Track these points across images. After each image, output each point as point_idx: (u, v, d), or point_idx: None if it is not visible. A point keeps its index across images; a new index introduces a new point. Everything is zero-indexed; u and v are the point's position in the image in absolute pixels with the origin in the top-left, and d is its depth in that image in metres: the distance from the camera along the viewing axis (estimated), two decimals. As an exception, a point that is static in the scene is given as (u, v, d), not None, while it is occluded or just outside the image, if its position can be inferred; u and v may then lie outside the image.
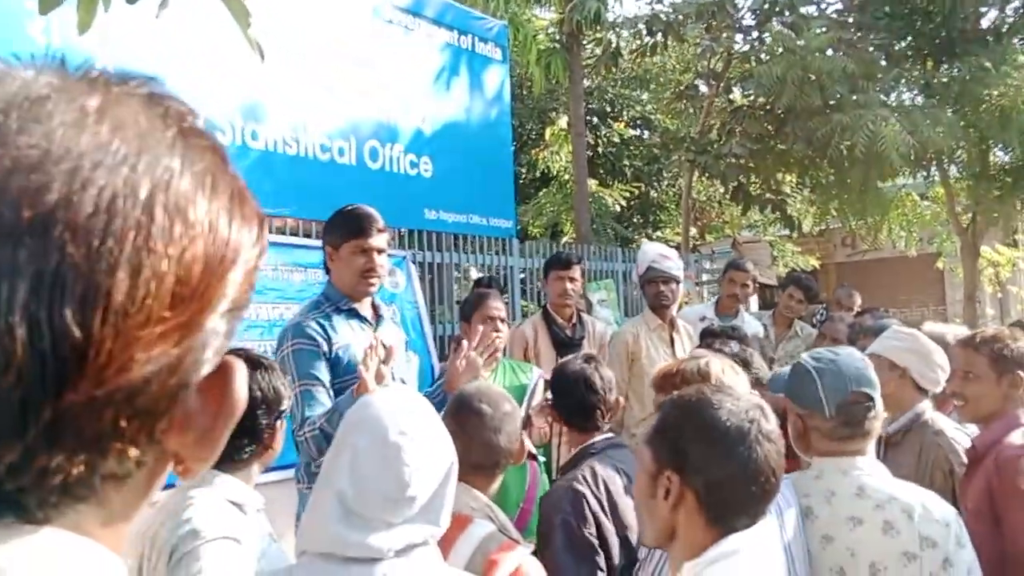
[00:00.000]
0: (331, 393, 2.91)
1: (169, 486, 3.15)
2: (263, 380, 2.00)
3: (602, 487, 2.57)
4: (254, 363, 2.01)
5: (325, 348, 2.97)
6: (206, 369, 0.56)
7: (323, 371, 2.95)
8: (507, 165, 6.82)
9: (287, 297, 4.69)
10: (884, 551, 1.97)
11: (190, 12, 3.94)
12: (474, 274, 7.34)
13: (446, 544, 1.82)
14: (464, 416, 2.12)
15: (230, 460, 1.97)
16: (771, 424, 1.56)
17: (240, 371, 0.60)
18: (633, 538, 2.44)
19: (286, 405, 2.05)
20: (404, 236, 5.94)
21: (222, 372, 0.59)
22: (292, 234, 5.02)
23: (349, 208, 3.18)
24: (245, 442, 1.97)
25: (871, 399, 2.11)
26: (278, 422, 2.03)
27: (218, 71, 4.62)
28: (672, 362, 2.35)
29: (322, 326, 3.00)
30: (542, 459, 4.01)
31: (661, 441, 1.58)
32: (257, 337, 4.40)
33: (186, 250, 0.52)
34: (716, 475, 1.50)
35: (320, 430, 2.80)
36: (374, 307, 3.25)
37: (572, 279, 4.70)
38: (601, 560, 2.48)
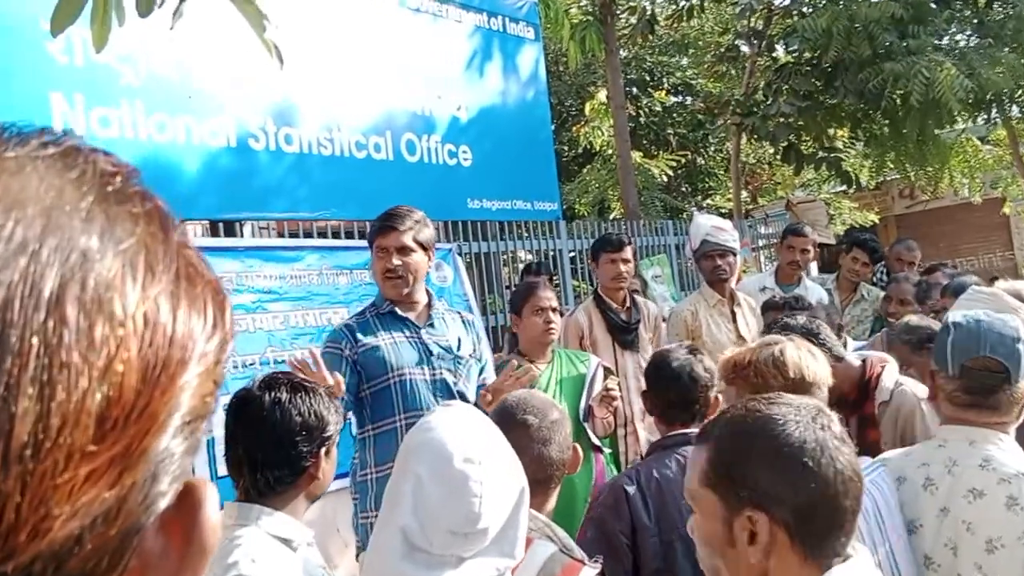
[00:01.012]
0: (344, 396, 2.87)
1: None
2: (303, 405, 1.86)
3: (653, 487, 2.43)
4: (295, 387, 1.89)
5: (348, 352, 2.99)
6: (163, 503, 0.43)
7: (345, 371, 2.93)
8: (548, 146, 6.64)
9: (334, 301, 4.61)
10: (1004, 527, 1.83)
11: (211, 21, 3.85)
12: (524, 258, 7.22)
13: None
14: (509, 430, 1.97)
15: (272, 493, 1.86)
16: (836, 423, 1.36)
17: (210, 496, 0.46)
18: (680, 546, 2.28)
19: (332, 431, 1.90)
20: (448, 228, 5.82)
21: (186, 501, 0.46)
22: (334, 236, 4.92)
23: (385, 211, 3.17)
24: (285, 473, 1.84)
25: (1005, 371, 1.93)
26: (322, 450, 1.89)
27: (245, 78, 4.52)
28: (743, 350, 2.17)
29: (352, 329, 3.05)
30: (608, 451, 3.87)
31: (726, 478, 1.31)
32: (307, 344, 4.31)
33: (114, 358, 0.39)
34: (803, 500, 1.26)
35: None
36: (430, 305, 3.19)
37: (624, 260, 4.51)
38: (628, 561, 2.36)
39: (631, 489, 2.42)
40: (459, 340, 3.23)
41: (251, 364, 4.16)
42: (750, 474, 1.29)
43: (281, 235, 5.30)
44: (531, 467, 1.92)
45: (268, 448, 1.84)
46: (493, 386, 3.10)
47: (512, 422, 1.95)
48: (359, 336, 3.03)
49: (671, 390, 2.60)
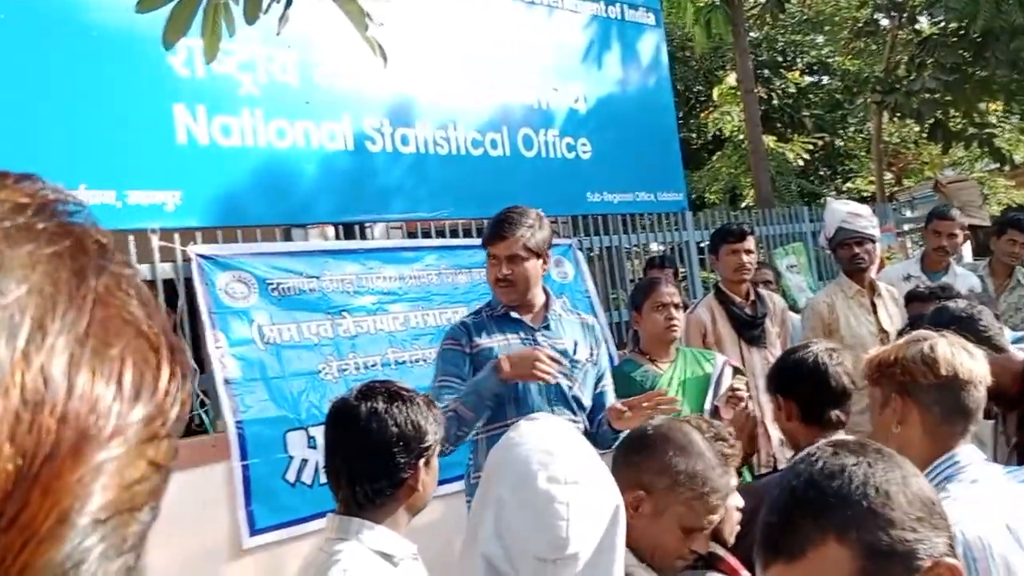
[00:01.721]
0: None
1: (288, 524, 3.06)
2: (400, 415, 1.79)
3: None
4: (392, 396, 1.82)
5: (467, 350, 2.97)
6: None
7: (466, 370, 2.93)
8: (672, 135, 6.41)
9: (454, 300, 4.58)
10: None
11: (324, 25, 3.88)
12: (655, 250, 7.00)
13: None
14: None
15: (372, 506, 1.80)
16: None
17: None
18: None
19: (430, 441, 1.82)
20: (568, 223, 5.70)
21: None
22: (452, 235, 4.90)
23: (494, 216, 3.11)
24: (383, 485, 1.78)
25: None
26: (421, 461, 1.82)
27: (361, 80, 4.55)
28: (888, 348, 1.96)
29: (468, 328, 3.01)
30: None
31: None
32: (427, 345, 4.31)
33: None
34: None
35: (454, 412, 2.75)
36: (547, 306, 3.11)
37: (747, 251, 4.27)
38: None
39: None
40: (575, 344, 3.11)
41: (372, 366, 4.18)
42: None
43: (409, 235, 5.31)
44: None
45: (364, 459, 1.79)
46: (630, 402, 2.97)
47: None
48: (474, 336, 2.99)
49: (810, 390, 2.42)
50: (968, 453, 1.78)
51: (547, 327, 3.08)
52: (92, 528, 0.34)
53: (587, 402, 3.10)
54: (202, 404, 3.72)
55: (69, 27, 3.63)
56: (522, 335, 3.03)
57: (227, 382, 3.70)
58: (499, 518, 1.33)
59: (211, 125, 3.97)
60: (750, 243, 4.29)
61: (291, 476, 3.77)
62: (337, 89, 4.47)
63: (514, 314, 3.05)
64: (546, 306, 3.12)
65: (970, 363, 1.82)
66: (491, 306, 3.10)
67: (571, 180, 5.54)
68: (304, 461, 3.80)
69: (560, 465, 1.32)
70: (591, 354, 3.16)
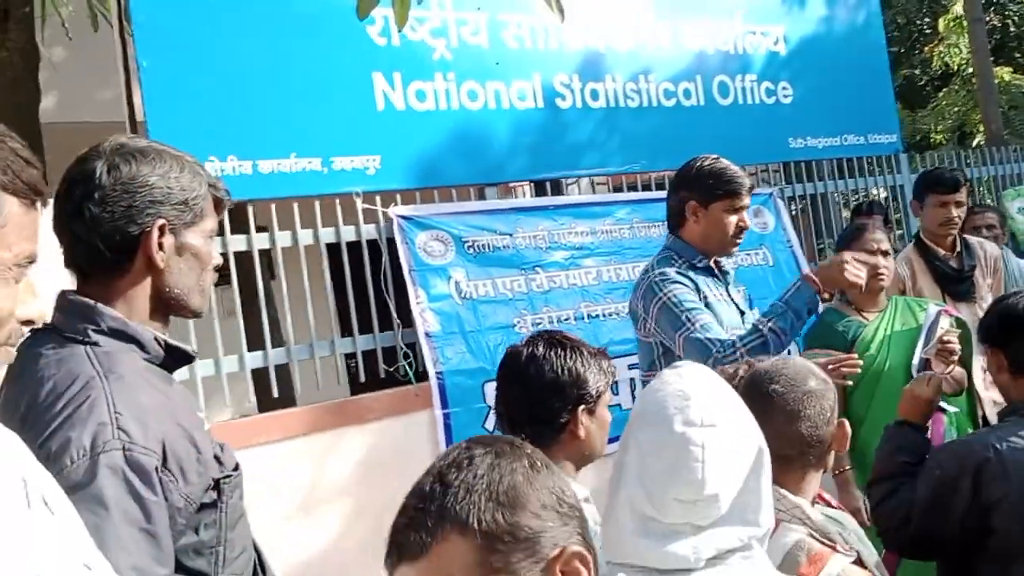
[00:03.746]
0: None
1: None
2: (558, 361, 1.82)
3: (1014, 457, 2.08)
4: (553, 343, 1.86)
5: (696, 296, 2.79)
6: None
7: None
8: (883, 73, 5.97)
9: (647, 253, 4.49)
10: None
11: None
12: (875, 196, 6.61)
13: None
14: (754, 400, 1.78)
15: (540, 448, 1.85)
16: None
17: None
18: None
19: (590, 389, 1.84)
20: (772, 172, 5.49)
21: None
22: (644, 188, 4.85)
23: (711, 162, 2.91)
24: (543, 429, 1.81)
25: None
26: (580, 408, 1.83)
27: (548, 37, 4.58)
28: None
29: (687, 278, 2.81)
30: (953, 410, 3.44)
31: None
32: (620, 298, 4.32)
33: None
34: None
35: (772, 332, 2.60)
36: (717, 264, 3.01)
37: (958, 203, 3.92)
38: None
39: (988, 456, 2.11)
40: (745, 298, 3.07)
41: (566, 319, 4.25)
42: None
43: (615, 190, 5.30)
44: (774, 442, 1.74)
45: (522, 404, 1.84)
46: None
47: (756, 391, 1.76)
48: (699, 287, 2.83)
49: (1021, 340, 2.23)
50: None
51: (728, 281, 3.02)
52: None
53: None
54: (406, 356, 3.94)
55: (276, 6, 3.90)
56: (722, 290, 2.96)
57: (428, 335, 3.89)
58: (639, 461, 1.34)
59: (407, 91, 4.14)
60: (962, 195, 3.94)
61: (489, 425, 3.92)
62: (526, 48, 4.53)
63: (709, 263, 2.94)
64: (717, 263, 3.02)
65: None
66: (683, 257, 2.90)
67: (771, 126, 5.32)
68: (501, 411, 3.95)
69: (696, 409, 1.32)
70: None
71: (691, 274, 2.85)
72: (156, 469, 1.31)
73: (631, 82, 4.84)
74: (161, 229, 1.46)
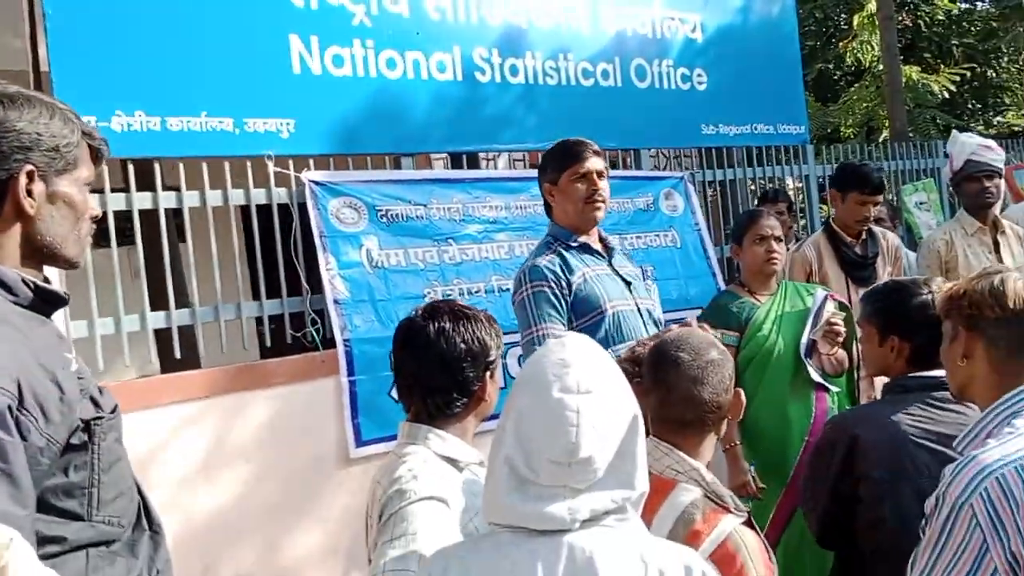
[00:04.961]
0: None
1: (391, 438, 3.20)
2: (466, 332, 1.93)
3: (884, 432, 2.22)
4: (456, 315, 1.95)
5: (564, 287, 2.91)
6: None
7: (563, 311, 2.90)
8: (794, 66, 6.16)
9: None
10: None
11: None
12: (789, 185, 6.81)
13: (648, 513, 1.63)
14: (661, 367, 1.89)
15: (443, 415, 1.93)
16: None
17: None
18: (910, 501, 2.08)
19: (494, 355, 1.96)
20: (682, 157, 5.62)
21: None
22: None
23: (555, 144, 3.13)
24: (454, 397, 1.92)
25: None
26: (487, 373, 1.95)
27: (471, 9, 4.59)
28: (960, 281, 1.92)
29: (558, 265, 2.94)
30: (835, 389, 3.62)
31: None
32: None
33: None
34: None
35: None
36: (602, 240, 3.13)
37: (875, 204, 4.17)
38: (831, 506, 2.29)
39: (858, 432, 2.25)
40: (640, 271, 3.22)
41: (476, 292, 4.30)
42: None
43: (533, 167, 5.35)
44: (679, 406, 1.84)
45: (436, 375, 1.91)
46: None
47: (664, 359, 1.88)
48: (567, 272, 2.93)
49: (925, 329, 2.31)
50: (1037, 389, 1.73)
51: (612, 255, 3.12)
52: None
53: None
54: (313, 322, 3.94)
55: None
56: (602, 265, 3.05)
57: (337, 302, 3.90)
58: (518, 425, 1.41)
59: (324, 55, 4.11)
60: (881, 197, 4.20)
61: (395, 393, 3.95)
62: (447, 20, 4.52)
63: (586, 241, 3.03)
64: (603, 240, 3.14)
65: None
66: (559, 240, 3.02)
67: (685, 112, 5.44)
68: (408, 380, 3.98)
69: (574, 376, 1.40)
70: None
71: (568, 255, 2.97)
72: (10, 408, 1.28)
73: (551, 60, 4.89)
74: (30, 175, 1.44)
